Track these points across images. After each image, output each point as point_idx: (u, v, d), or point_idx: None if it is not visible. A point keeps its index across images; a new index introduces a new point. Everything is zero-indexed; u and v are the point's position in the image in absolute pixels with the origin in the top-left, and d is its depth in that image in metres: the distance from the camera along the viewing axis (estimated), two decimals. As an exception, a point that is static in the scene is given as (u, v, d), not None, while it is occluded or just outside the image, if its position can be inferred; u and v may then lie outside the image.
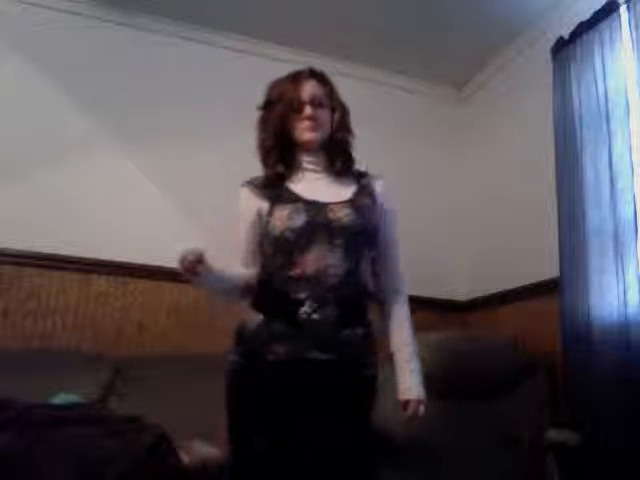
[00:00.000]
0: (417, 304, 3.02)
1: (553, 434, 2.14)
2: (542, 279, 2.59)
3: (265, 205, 1.48)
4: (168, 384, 2.31)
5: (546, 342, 2.38)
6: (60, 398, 2.02)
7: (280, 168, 1.50)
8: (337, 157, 1.53)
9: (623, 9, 2.24)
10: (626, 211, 2.10)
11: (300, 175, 1.52)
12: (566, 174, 2.38)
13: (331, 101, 1.55)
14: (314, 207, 1.44)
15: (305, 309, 1.37)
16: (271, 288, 1.44)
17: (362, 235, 1.44)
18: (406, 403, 1.44)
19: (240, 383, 1.41)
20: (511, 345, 2.46)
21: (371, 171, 1.62)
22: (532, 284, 2.68)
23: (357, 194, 1.50)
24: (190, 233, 2.82)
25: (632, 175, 2.11)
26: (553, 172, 2.46)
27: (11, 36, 2.84)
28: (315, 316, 1.36)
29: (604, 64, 2.28)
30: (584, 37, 2.41)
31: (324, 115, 1.52)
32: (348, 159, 1.55)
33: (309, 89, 1.51)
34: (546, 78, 2.59)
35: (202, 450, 1.84)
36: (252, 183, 1.54)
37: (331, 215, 1.42)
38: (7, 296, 2.60)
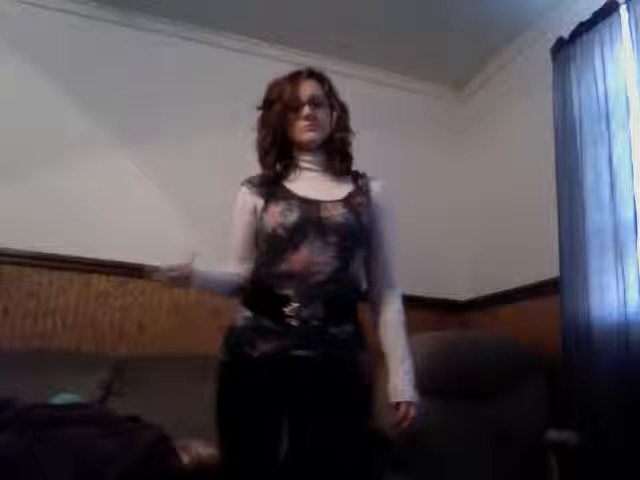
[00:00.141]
0: (417, 304, 3.08)
1: (553, 434, 2.14)
2: (542, 279, 2.59)
3: (260, 202, 1.49)
4: (168, 384, 2.31)
5: (546, 342, 2.38)
6: (60, 398, 2.02)
7: (279, 167, 1.51)
8: (336, 157, 1.54)
9: (623, 9, 2.24)
10: (626, 211, 2.10)
11: (298, 174, 1.53)
12: (566, 174, 2.38)
13: (330, 100, 1.55)
14: (307, 204, 1.44)
15: (291, 306, 1.37)
16: (260, 285, 1.45)
17: (354, 234, 1.45)
18: (397, 405, 1.42)
19: (227, 380, 1.42)
20: (511, 345, 2.46)
21: (371, 170, 1.62)
22: (532, 284, 2.68)
23: (353, 194, 1.51)
24: (190, 233, 2.82)
25: (632, 175, 2.11)
26: (553, 172, 2.45)
27: (11, 36, 2.84)
28: (301, 313, 1.37)
29: (604, 64, 2.28)
30: (584, 37, 2.41)
31: (323, 115, 1.52)
32: (347, 159, 1.56)
33: (308, 89, 1.51)
34: (546, 78, 2.59)
35: (201, 450, 1.84)
36: (250, 182, 1.56)
37: (324, 213, 1.43)
38: (7, 296, 2.60)
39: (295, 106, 1.49)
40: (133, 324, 2.74)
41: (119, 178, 2.87)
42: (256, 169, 1.57)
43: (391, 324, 1.50)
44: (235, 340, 1.43)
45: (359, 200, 1.50)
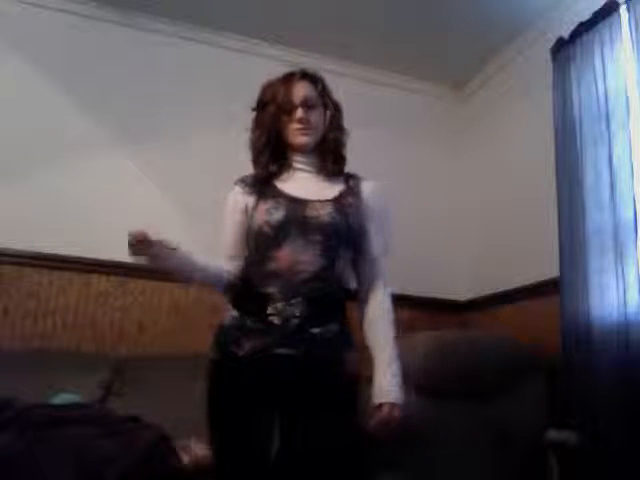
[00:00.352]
0: (417, 304, 3.09)
1: (553, 434, 2.14)
2: (542, 279, 2.59)
3: (251, 201, 1.50)
4: (168, 384, 2.30)
5: (546, 342, 2.38)
6: (60, 398, 2.02)
7: (272, 168, 1.52)
8: (329, 158, 1.54)
9: (623, 9, 2.24)
10: (626, 211, 2.10)
11: (291, 174, 1.53)
12: (566, 174, 2.38)
13: (323, 100, 1.55)
14: (294, 203, 1.45)
15: (274, 304, 1.38)
16: (247, 283, 1.45)
17: (340, 233, 1.45)
18: (380, 406, 1.40)
19: (216, 378, 1.43)
20: (511, 345, 2.46)
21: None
22: (532, 284, 2.68)
23: (343, 194, 1.51)
24: (190, 233, 2.81)
25: (632, 175, 2.11)
26: (553, 172, 2.45)
27: (11, 36, 2.84)
28: (284, 312, 1.37)
29: (604, 64, 2.28)
30: (584, 37, 2.41)
31: (316, 116, 1.52)
32: (339, 160, 1.56)
33: (301, 90, 1.51)
34: (546, 78, 2.59)
35: (199, 450, 1.84)
36: (243, 181, 1.56)
37: (310, 212, 1.44)
38: (7, 296, 2.60)
39: (288, 109, 1.49)
40: (133, 324, 2.74)
41: (119, 178, 2.87)
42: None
43: (379, 323, 1.49)
44: (224, 339, 1.44)
45: (349, 201, 1.50)
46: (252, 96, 1.58)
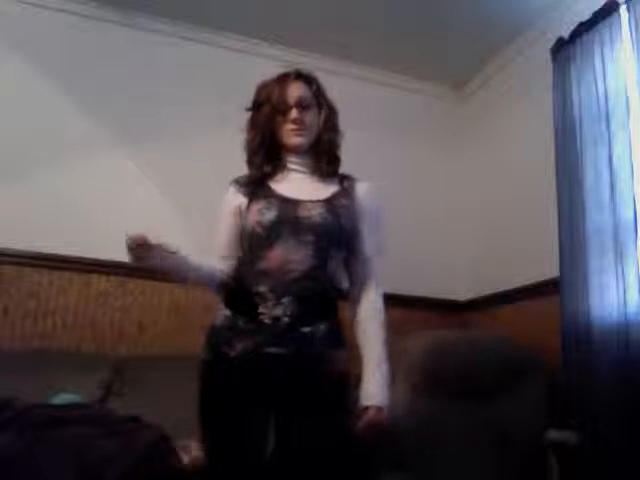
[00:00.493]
0: (417, 304, 3.09)
1: (553, 434, 2.14)
2: (542, 279, 2.59)
3: (245, 201, 1.50)
4: (168, 384, 2.30)
5: (546, 342, 2.38)
6: (60, 398, 2.02)
7: (267, 169, 1.52)
8: (323, 159, 1.54)
9: (623, 9, 2.24)
10: (626, 211, 2.10)
11: (285, 174, 1.53)
12: (566, 174, 2.38)
13: (318, 100, 1.55)
14: (286, 203, 1.45)
15: (265, 304, 1.38)
16: (239, 283, 1.46)
17: (331, 234, 1.44)
18: (366, 409, 1.39)
19: (208, 379, 1.43)
20: (511, 345, 2.46)
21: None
22: (532, 284, 2.68)
23: (337, 195, 1.51)
24: (190, 233, 2.81)
25: (632, 175, 2.11)
26: (553, 172, 2.46)
27: (11, 36, 2.84)
28: (274, 311, 1.37)
29: (604, 64, 2.28)
30: (584, 37, 2.41)
31: (310, 117, 1.52)
32: (334, 161, 1.56)
33: (295, 91, 1.51)
34: (546, 78, 2.59)
35: (197, 451, 1.84)
36: (237, 181, 1.56)
37: (302, 212, 1.43)
38: (7, 296, 2.60)
39: (282, 109, 1.49)
40: (133, 324, 2.74)
41: (119, 178, 2.87)
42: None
43: (369, 323, 1.48)
44: (215, 340, 1.44)
45: (342, 202, 1.50)
46: (251, 96, 1.57)
